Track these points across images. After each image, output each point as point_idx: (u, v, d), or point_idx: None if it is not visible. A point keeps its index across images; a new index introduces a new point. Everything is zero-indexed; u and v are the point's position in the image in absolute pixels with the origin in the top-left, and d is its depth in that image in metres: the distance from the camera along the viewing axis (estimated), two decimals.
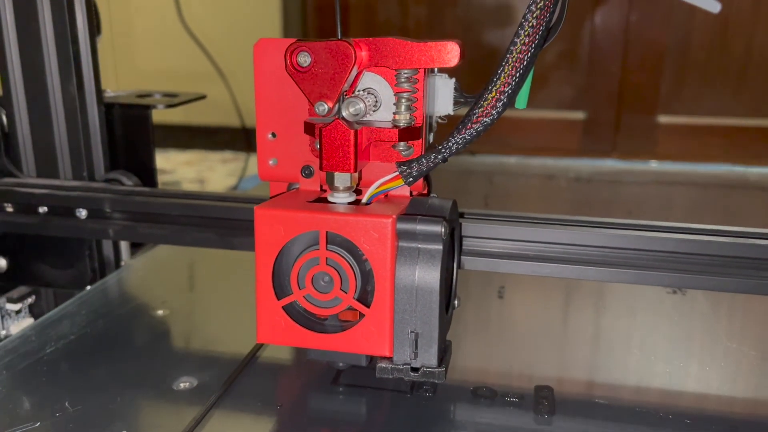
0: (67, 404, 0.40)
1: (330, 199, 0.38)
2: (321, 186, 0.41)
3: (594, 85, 1.58)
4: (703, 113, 1.54)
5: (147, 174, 0.66)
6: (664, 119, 1.56)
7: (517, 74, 0.36)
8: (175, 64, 1.54)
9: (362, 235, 0.35)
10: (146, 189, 0.59)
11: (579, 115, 1.62)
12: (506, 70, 0.36)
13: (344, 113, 0.37)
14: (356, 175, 0.38)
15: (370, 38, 0.37)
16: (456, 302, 0.41)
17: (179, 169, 1.56)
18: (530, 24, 0.35)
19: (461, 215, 0.46)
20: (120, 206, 0.55)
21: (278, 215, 0.36)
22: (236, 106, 1.48)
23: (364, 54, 0.37)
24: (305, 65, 0.37)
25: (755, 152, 1.48)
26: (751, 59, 1.48)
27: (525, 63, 0.35)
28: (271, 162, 0.42)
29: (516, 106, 0.37)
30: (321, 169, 0.37)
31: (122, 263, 0.64)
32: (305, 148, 0.41)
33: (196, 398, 0.41)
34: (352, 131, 0.36)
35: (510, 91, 0.36)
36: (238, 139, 1.60)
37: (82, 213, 0.56)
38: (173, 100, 0.67)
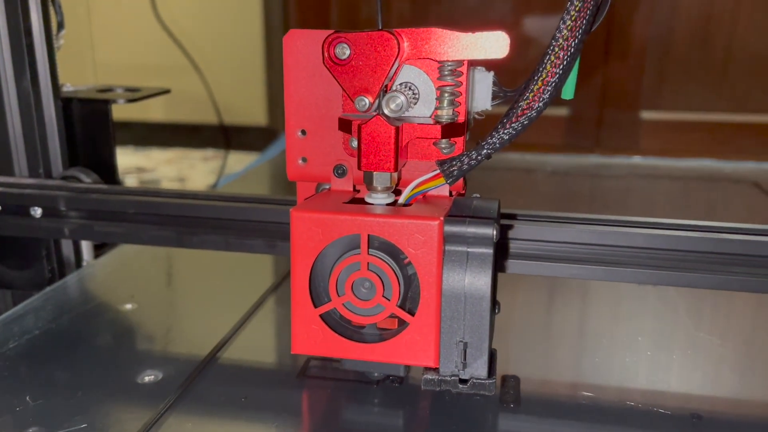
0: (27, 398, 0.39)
1: (368, 200, 0.36)
2: (354, 186, 0.38)
3: (577, 80, 1.57)
4: (686, 109, 1.54)
5: (108, 171, 0.64)
6: (647, 115, 1.56)
7: (564, 62, 0.34)
8: (158, 60, 1.50)
9: (407, 238, 0.33)
10: (103, 186, 0.57)
11: (562, 111, 1.61)
12: (551, 59, 0.34)
13: (385, 109, 0.35)
14: (396, 174, 0.36)
15: (413, 28, 0.35)
16: (497, 308, 0.39)
17: (160, 167, 1.52)
18: (576, 8, 0.33)
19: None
20: (76, 204, 0.53)
21: (317, 218, 0.34)
22: (213, 103, 1.45)
23: (406, 45, 0.35)
24: (344, 58, 0.34)
25: (738, 147, 1.50)
26: (732, 55, 1.49)
27: (572, 50, 0.34)
28: (300, 161, 0.39)
29: (563, 96, 0.36)
30: (359, 168, 0.35)
31: (84, 263, 0.61)
32: (338, 145, 0.38)
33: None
34: (393, 128, 0.34)
35: (556, 80, 0.34)
36: (220, 136, 1.56)
37: (37, 211, 0.54)
38: (134, 95, 0.65)
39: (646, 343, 0.47)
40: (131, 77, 1.58)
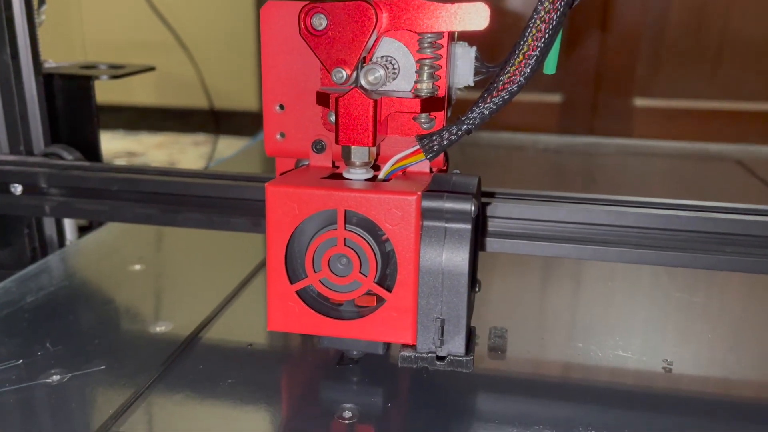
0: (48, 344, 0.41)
1: (346, 175, 0.35)
2: (333, 162, 0.38)
3: (571, 67, 1.57)
4: (680, 96, 1.54)
5: (91, 149, 0.63)
6: (640, 102, 1.56)
7: (546, 36, 0.33)
8: (148, 41, 1.49)
9: (384, 213, 0.33)
10: (84, 163, 0.56)
11: (556, 97, 1.61)
12: (533, 33, 0.33)
13: (363, 81, 0.34)
14: (374, 149, 0.35)
15: None
16: (477, 286, 0.38)
17: (150, 151, 1.50)
18: None
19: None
20: (57, 181, 0.52)
21: (292, 193, 0.33)
22: (204, 87, 1.43)
23: (384, 16, 0.34)
24: (321, 28, 0.33)
25: (730, 135, 1.49)
26: (726, 43, 1.49)
27: (553, 23, 0.33)
28: (278, 136, 0.39)
29: (545, 71, 0.35)
30: (336, 142, 0.34)
31: (67, 243, 0.60)
32: (316, 120, 0.38)
33: None
34: (371, 101, 0.33)
35: (538, 54, 0.33)
36: (210, 120, 1.55)
37: (17, 188, 0.53)
38: (118, 72, 0.64)
39: (638, 323, 0.47)
40: (121, 57, 1.56)
